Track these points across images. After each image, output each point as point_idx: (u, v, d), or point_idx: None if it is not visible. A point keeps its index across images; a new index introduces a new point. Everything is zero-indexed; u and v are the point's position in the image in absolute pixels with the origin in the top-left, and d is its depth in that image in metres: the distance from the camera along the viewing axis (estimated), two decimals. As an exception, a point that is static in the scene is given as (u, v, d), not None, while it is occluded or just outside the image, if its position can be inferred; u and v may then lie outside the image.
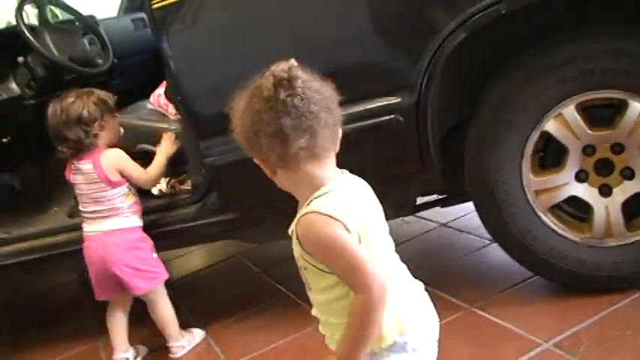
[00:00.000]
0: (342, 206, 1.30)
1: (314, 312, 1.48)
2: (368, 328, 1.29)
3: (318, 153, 1.32)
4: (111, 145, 2.67)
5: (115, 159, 2.62)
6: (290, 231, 1.36)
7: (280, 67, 1.29)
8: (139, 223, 2.68)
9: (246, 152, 1.37)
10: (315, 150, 1.31)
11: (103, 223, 2.61)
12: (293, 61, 1.31)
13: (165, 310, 2.73)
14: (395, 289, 1.34)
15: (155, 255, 2.68)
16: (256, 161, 1.38)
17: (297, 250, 1.37)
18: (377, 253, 1.34)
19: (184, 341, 2.77)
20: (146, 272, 2.64)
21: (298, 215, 1.34)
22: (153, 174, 2.69)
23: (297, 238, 1.34)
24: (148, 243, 2.68)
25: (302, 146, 1.28)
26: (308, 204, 1.33)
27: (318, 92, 1.31)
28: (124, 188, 2.63)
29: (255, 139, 1.30)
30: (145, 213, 2.79)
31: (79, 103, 2.55)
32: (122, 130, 2.74)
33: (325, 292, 1.38)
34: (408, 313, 1.37)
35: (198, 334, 2.84)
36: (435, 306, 1.48)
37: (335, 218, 1.28)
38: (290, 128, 1.27)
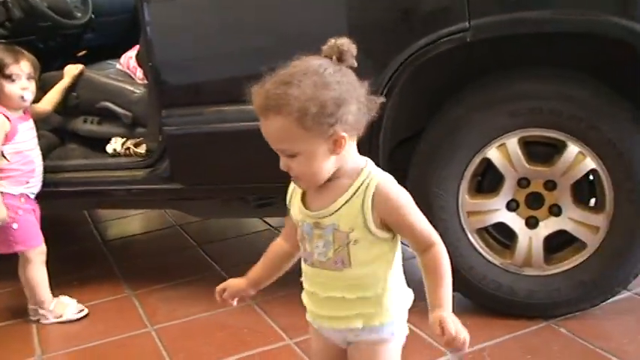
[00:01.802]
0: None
1: (334, 293, 1.46)
2: (451, 273, 1.45)
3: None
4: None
5: None
6: (338, 205, 1.40)
7: (340, 41, 1.36)
8: (8, 190, 2.63)
9: (324, 129, 1.31)
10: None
11: None
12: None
13: (34, 276, 2.74)
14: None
15: (15, 226, 2.64)
16: (329, 140, 1.33)
17: (359, 221, 1.39)
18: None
19: (49, 313, 2.77)
20: (0, 236, 2.66)
21: (360, 184, 1.38)
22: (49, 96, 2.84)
23: (372, 204, 1.38)
24: (12, 212, 2.63)
25: (365, 107, 1.37)
26: (365, 175, 1.39)
27: None
28: None
29: (345, 107, 1.31)
30: (95, 169, 2.84)
31: None
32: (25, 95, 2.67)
33: (370, 264, 1.43)
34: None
35: (69, 313, 2.80)
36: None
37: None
38: (358, 92, 1.36)
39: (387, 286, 1.45)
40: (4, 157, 2.61)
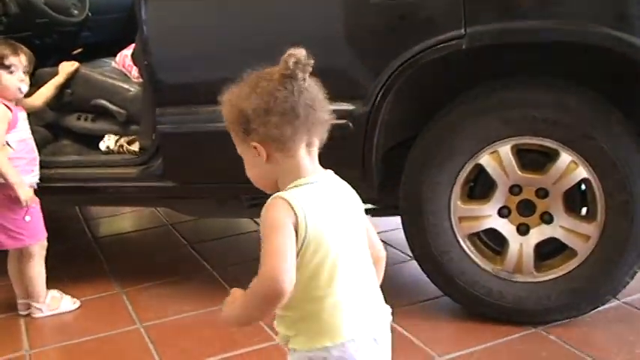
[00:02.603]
0: (309, 203, 1.33)
1: None
2: (247, 308, 1.32)
3: (313, 141, 1.38)
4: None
5: None
6: None
7: (299, 50, 1.34)
8: None
9: (242, 137, 1.37)
10: (313, 136, 1.37)
11: None
12: (305, 50, 1.36)
13: (34, 271, 2.75)
14: (342, 301, 1.34)
15: (28, 218, 2.66)
16: (249, 147, 1.36)
17: None
18: (327, 262, 1.33)
19: (44, 306, 2.79)
20: (11, 231, 2.66)
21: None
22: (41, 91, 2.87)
23: None
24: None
25: (310, 125, 1.34)
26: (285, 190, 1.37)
27: (319, 87, 1.38)
28: None
29: (264, 118, 1.32)
30: (88, 166, 2.84)
31: None
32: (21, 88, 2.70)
33: None
34: (347, 325, 1.34)
35: (64, 305, 2.84)
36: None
37: (292, 208, 1.30)
38: (303, 106, 1.33)
39: (297, 318, 1.37)
40: (10, 146, 2.63)
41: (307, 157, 1.37)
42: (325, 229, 1.32)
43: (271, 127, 1.32)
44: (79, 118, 3.10)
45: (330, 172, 1.43)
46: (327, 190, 1.38)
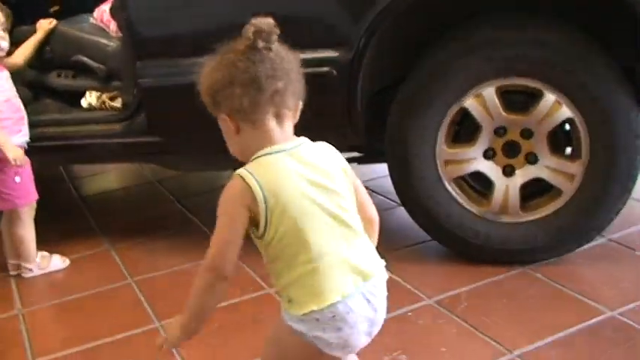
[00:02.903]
0: (269, 173, 1.34)
1: None
2: (199, 294, 1.39)
3: (282, 112, 1.37)
4: None
5: None
6: None
7: (261, 20, 1.34)
8: None
9: (213, 109, 1.39)
10: (281, 107, 1.37)
11: None
12: (271, 19, 1.36)
13: (23, 232, 2.74)
14: (322, 265, 1.34)
15: (18, 179, 2.65)
16: (222, 119, 1.39)
17: None
18: (297, 227, 1.33)
19: (35, 266, 2.80)
20: (1, 192, 2.65)
21: None
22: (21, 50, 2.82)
23: None
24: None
25: (274, 95, 1.34)
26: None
27: (289, 56, 1.38)
28: None
29: (229, 89, 1.34)
30: (70, 124, 2.82)
31: None
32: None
33: (269, 262, 1.42)
34: (331, 288, 1.34)
35: (54, 264, 2.85)
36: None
37: (247, 184, 1.32)
38: (264, 77, 1.33)
39: (285, 285, 1.39)
40: None
41: (277, 127, 1.38)
42: (290, 196, 1.33)
43: (235, 99, 1.34)
44: (59, 76, 3.07)
45: (303, 138, 1.42)
46: (296, 156, 1.38)
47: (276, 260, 1.37)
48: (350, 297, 1.35)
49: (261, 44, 1.32)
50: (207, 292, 1.38)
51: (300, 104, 1.42)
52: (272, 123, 1.37)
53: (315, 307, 1.33)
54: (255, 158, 1.37)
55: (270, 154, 1.36)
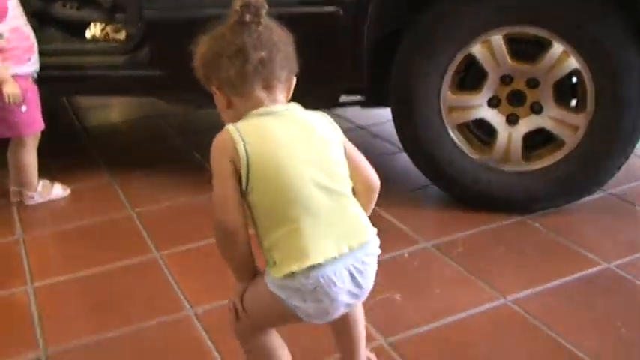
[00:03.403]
0: (254, 132, 1.34)
1: None
2: (219, 248, 1.40)
3: (272, 83, 1.38)
4: None
5: None
6: None
7: None
8: (17, 70, 2.59)
9: (205, 82, 1.42)
10: (270, 78, 1.37)
11: None
12: None
13: (27, 160, 2.76)
14: (306, 227, 1.32)
15: (24, 108, 2.62)
16: (214, 93, 1.41)
17: None
18: (281, 187, 1.32)
19: (36, 194, 2.81)
20: (7, 120, 2.64)
21: None
22: None
23: None
24: (22, 94, 2.59)
25: (260, 65, 1.34)
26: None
27: (279, 30, 1.39)
28: None
29: (217, 61, 1.36)
30: (73, 54, 2.80)
31: None
32: None
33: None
34: (314, 249, 1.32)
35: (56, 192, 2.87)
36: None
37: (232, 139, 1.32)
38: (251, 47, 1.34)
39: (269, 247, 1.38)
40: (1, 37, 2.56)
41: (267, 99, 1.39)
42: (274, 156, 1.33)
43: (222, 71, 1.36)
44: (64, 6, 3.06)
45: (293, 104, 1.42)
46: (285, 118, 1.38)
47: (260, 220, 1.36)
48: (333, 263, 1.32)
49: (248, 18, 1.34)
50: (224, 246, 1.39)
51: (294, 80, 1.43)
52: (261, 94, 1.38)
53: (295, 268, 1.30)
54: (243, 119, 1.38)
55: (260, 115, 1.37)
